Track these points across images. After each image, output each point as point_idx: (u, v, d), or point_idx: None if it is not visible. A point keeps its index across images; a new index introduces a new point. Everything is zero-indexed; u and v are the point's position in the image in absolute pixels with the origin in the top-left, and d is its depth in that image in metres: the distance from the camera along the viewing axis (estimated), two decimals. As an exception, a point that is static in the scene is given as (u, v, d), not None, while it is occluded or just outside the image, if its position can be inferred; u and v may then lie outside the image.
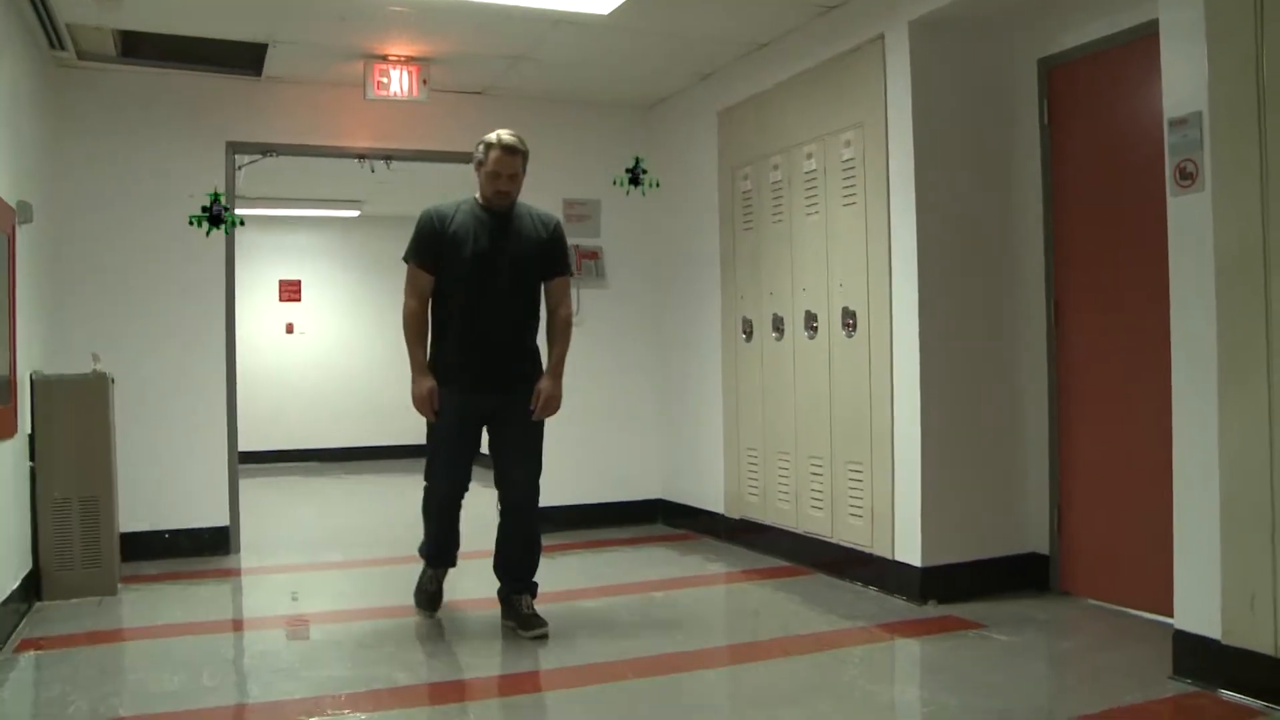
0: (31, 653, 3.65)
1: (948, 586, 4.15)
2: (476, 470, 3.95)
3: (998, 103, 4.37)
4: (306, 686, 3.24)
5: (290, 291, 10.31)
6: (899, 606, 4.15)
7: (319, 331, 10.36)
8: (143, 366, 5.21)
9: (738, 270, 5.46)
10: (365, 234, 10.33)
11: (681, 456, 6.13)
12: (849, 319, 4.56)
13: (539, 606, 3.89)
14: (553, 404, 3.89)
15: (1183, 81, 3.13)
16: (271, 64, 5.29)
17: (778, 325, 5.08)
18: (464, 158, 5.84)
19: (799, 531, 4.94)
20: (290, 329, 10.29)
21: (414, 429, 10.87)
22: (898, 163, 4.26)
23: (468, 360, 3.79)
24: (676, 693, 3.26)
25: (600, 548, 5.63)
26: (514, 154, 3.78)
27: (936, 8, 4.04)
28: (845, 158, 4.58)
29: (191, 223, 5.38)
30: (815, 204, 4.81)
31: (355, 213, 9.83)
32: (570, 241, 4.32)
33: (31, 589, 4.28)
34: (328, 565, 5.37)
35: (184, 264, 5.37)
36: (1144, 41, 3.63)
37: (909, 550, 4.21)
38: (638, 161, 6.27)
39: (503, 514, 3.95)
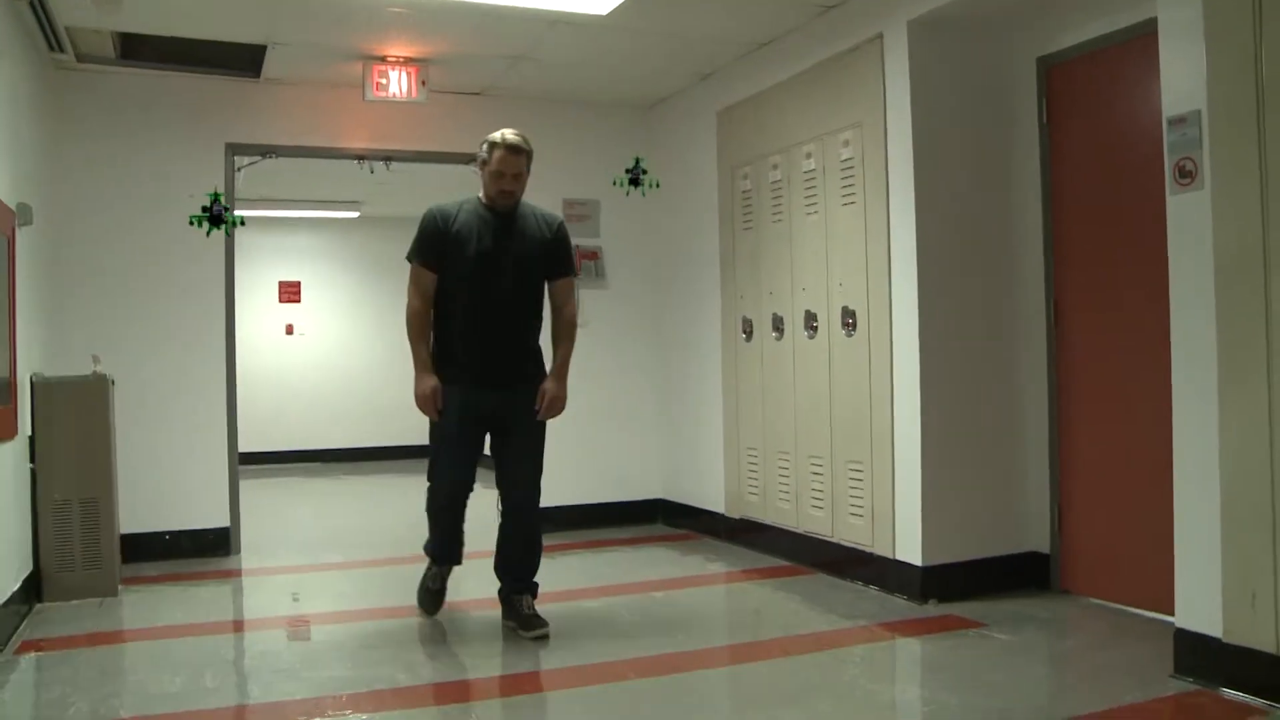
0: (32, 654, 3.65)
1: (948, 586, 4.15)
2: (477, 470, 3.95)
3: (997, 102, 4.37)
4: (308, 687, 3.24)
5: (290, 293, 10.32)
6: (899, 606, 4.15)
7: (319, 333, 10.36)
8: (143, 368, 5.21)
9: (737, 270, 5.46)
10: (365, 235, 10.34)
11: (682, 456, 6.14)
12: (849, 318, 4.56)
13: (540, 607, 3.88)
14: (558, 405, 3.88)
15: (1182, 80, 3.13)
16: (270, 65, 5.30)
17: (778, 325, 5.09)
18: (463, 159, 5.90)
19: (799, 531, 4.94)
20: (290, 330, 10.29)
21: (414, 429, 10.87)
22: (897, 162, 4.26)
23: (470, 360, 3.79)
24: (677, 693, 3.26)
25: (601, 548, 5.63)
26: (518, 153, 3.77)
27: (935, 7, 4.04)
28: (844, 157, 4.58)
29: (192, 223, 5.38)
30: (815, 204, 4.81)
31: (355, 214, 9.83)
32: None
33: (32, 590, 4.28)
34: (328, 566, 5.37)
35: (184, 265, 5.37)
36: (1143, 40, 3.63)
37: (909, 549, 4.21)
38: (638, 162, 6.28)
39: (504, 514, 3.95)
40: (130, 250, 5.28)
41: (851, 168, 4.54)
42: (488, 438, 3.94)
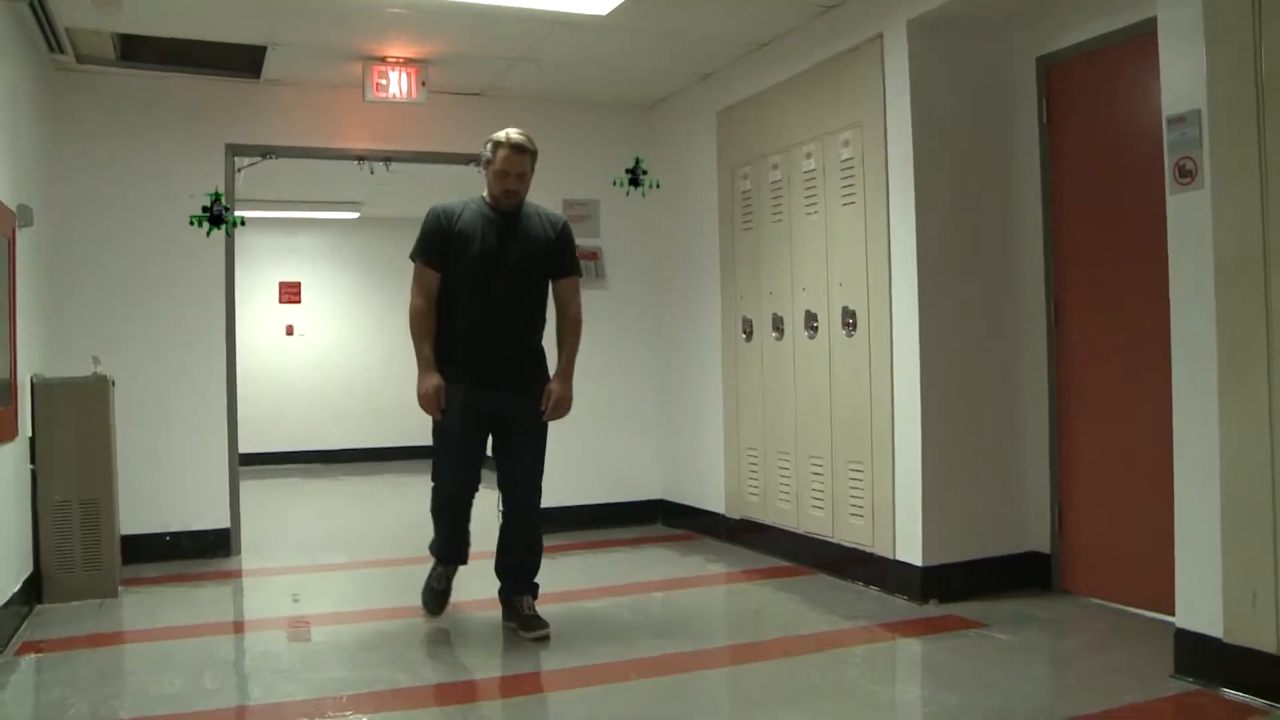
0: (32, 655, 3.65)
1: (949, 586, 4.15)
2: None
3: (996, 101, 4.37)
4: (308, 688, 3.24)
5: (290, 293, 10.32)
6: (900, 606, 4.15)
7: (319, 333, 10.36)
8: (143, 369, 5.21)
9: (737, 270, 5.46)
10: (365, 236, 10.34)
11: (682, 457, 6.13)
12: (849, 318, 4.56)
13: (540, 608, 3.88)
14: (563, 406, 3.87)
15: (1181, 79, 3.13)
16: (270, 66, 5.30)
17: (778, 325, 5.08)
18: (463, 159, 5.90)
19: (799, 531, 4.93)
20: (290, 331, 10.29)
21: (414, 430, 10.86)
22: (897, 162, 4.26)
23: (473, 359, 3.76)
24: (678, 693, 3.26)
25: (601, 548, 5.63)
26: (522, 153, 3.76)
27: (935, 7, 4.04)
28: (844, 157, 4.58)
29: (192, 223, 5.37)
30: (814, 204, 4.81)
31: (355, 214, 9.83)
32: (571, 242, 4.30)
33: (32, 592, 4.28)
34: (329, 567, 5.37)
35: (184, 266, 5.37)
36: (1142, 39, 3.63)
37: (910, 550, 4.21)
38: (638, 162, 6.27)
39: (505, 515, 3.94)
40: (130, 251, 5.28)
41: (851, 168, 4.53)
42: (489, 438, 3.93)
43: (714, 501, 5.73)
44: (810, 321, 4.82)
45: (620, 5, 4.44)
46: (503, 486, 3.92)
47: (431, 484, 3.97)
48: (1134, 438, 3.88)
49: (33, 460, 4.35)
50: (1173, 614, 3.21)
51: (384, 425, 10.20)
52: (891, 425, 4.30)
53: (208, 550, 5.38)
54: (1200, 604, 3.08)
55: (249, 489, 5.92)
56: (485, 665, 3.61)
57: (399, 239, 9.76)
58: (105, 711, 3.05)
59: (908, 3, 4.16)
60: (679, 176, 6.10)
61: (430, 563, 4.11)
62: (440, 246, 3.78)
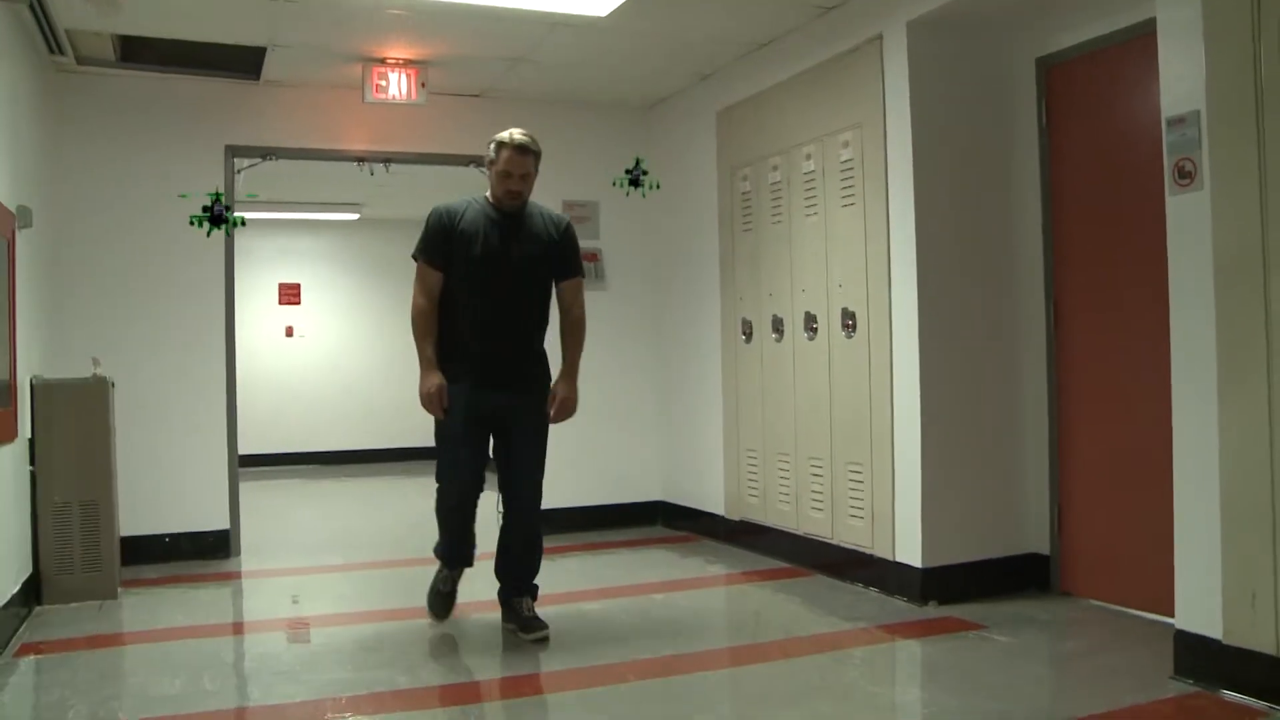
0: (31, 657, 3.65)
1: (948, 587, 4.15)
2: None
3: (996, 102, 4.37)
4: (308, 690, 3.24)
5: (290, 295, 10.32)
6: (899, 607, 4.15)
7: (319, 335, 10.36)
8: (143, 370, 5.21)
9: (737, 271, 5.46)
10: (365, 237, 10.35)
11: (681, 458, 6.13)
12: (848, 320, 4.56)
13: (540, 609, 3.88)
14: (569, 407, 3.86)
15: (1181, 80, 3.13)
16: (270, 68, 5.30)
17: (777, 326, 5.08)
18: (463, 160, 5.91)
19: (799, 533, 4.93)
20: (290, 332, 10.29)
21: (413, 432, 10.84)
22: (896, 163, 4.26)
23: (475, 360, 3.74)
24: (678, 695, 3.25)
25: (600, 550, 5.63)
26: (525, 153, 3.74)
27: (934, 8, 4.04)
28: (844, 158, 4.58)
29: (192, 223, 5.37)
30: (814, 205, 4.81)
31: (354, 216, 9.84)
32: (571, 243, 4.29)
33: (31, 593, 4.28)
34: (328, 568, 5.37)
35: (184, 267, 5.38)
36: (1142, 40, 3.63)
37: (909, 551, 4.21)
38: (638, 162, 6.27)
39: (505, 516, 3.94)
40: (130, 252, 5.28)
41: (851, 169, 4.53)
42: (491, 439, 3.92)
43: (714, 503, 5.73)
44: (810, 323, 4.82)
45: (620, 6, 4.44)
46: (503, 487, 3.92)
47: (436, 485, 3.94)
48: (1134, 439, 3.88)
49: (32, 462, 4.35)
50: (1172, 615, 3.21)
51: (384, 427, 10.21)
52: (891, 426, 4.30)
53: (207, 551, 5.38)
54: (1200, 605, 3.07)
55: (248, 490, 5.92)
56: (485, 667, 3.60)
57: (399, 240, 9.82)
58: (105, 713, 3.05)
59: (907, 4, 4.16)
60: (678, 177, 6.10)
61: (435, 566, 4.09)
62: (443, 246, 3.76)
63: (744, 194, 5.38)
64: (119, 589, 4.55)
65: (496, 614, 3.96)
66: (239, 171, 5.68)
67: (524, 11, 4.52)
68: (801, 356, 4.91)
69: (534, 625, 3.78)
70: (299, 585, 5.05)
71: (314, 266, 10.40)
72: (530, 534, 3.90)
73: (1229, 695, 2.97)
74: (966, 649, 3.61)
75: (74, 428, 4.45)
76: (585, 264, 3.98)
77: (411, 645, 3.77)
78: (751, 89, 5.28)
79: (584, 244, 6.02)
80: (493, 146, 3.77)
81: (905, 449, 4.23)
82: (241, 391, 5.63)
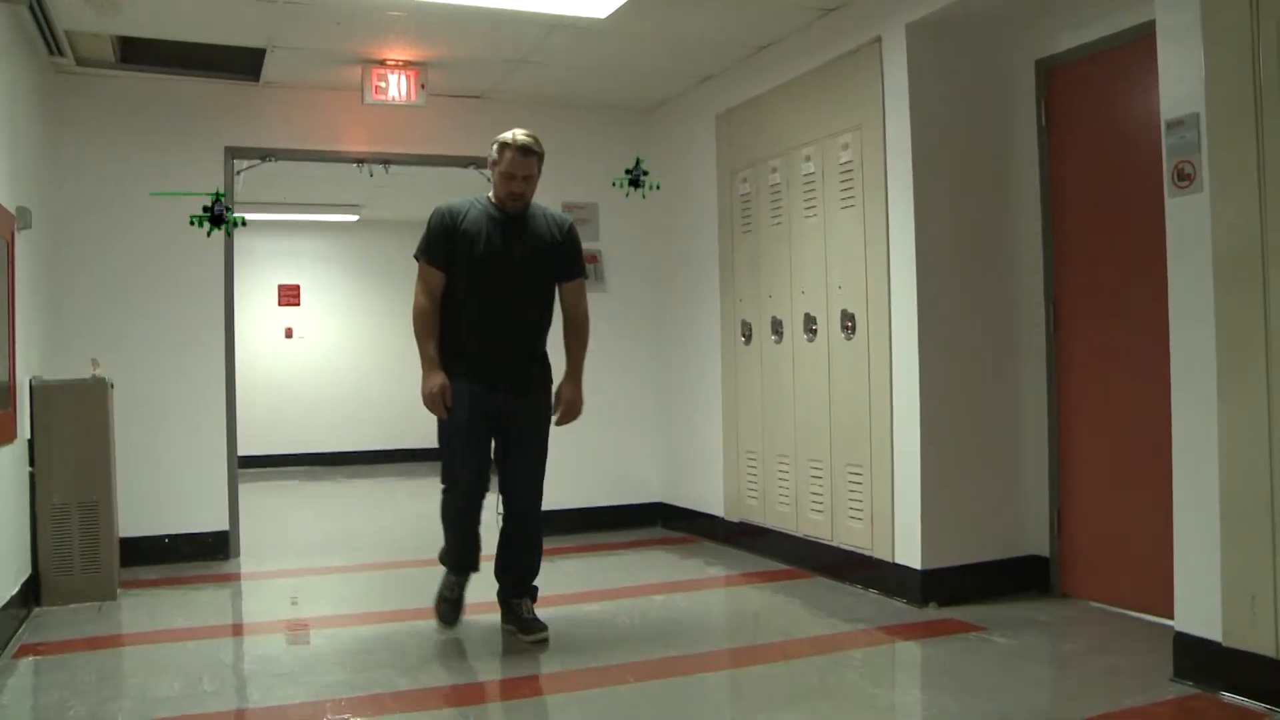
0: (30, 658, 3.65)
1: (948, 589, 4.15)
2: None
3: (995, 104, 4.37)
4: (307, 691, 3.24)
5: (289, 296, 10.32)
6: (899, 609, 4.15)
7: (318, 336, 10.37)
8: (142, 371, 5.21)
9: (736, 273, 5.46)
10: (364, 238, 10.35)
11: (681, 460, 6.13)
12: (848, 321, 4.56)
13: (539, 610, 3.88)
14: (574, 410, 3.85)
15: (1180, 83, 3.13)
16: (270, 69, 5.30)
17: (777, 328, 5.08)
18: (463, 162, 5.91)
19: (799, 535, 4.93)
20: (289, 334, 10.30)
21: (413, 433, 10.84)
22: (896, 165, 4.26)
23: (477, 360, 3.72)
24: (677, 697, 3.25)
25: (600, 551, 5.63)
26: (528, 155, 3.71)
27: (934, 10, 4.04)
28: (843, 160, 4.59)
29: (192, 223, 5.37)
30: (814, 207, 4.81)
31: (354, 217, 9.84)
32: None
33: (31, 594, 4.27)
34: (328, 570, 5.36)
35: (183, 268, 5.38)
36: (1142, 42, 3.63)
37: (909, 553, 4.21)
38: (638, 163, 6.26)
39: (506, 518, 3.92)
40: (130, 252, 5.28)
41: (850, 171, 4.54)
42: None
43: (713, 504, 5.73)
44: (809, 324, 4.83)
45: (619, 8, 4.44)
46: (503, 488, 3.90)
47: (442, 488, 3.88)
48: (1133, 441, 3.88)
49: (31, 463, 4.35)
50: (1172, 617, 3.21)
51: (383, 428, 10.21)
52: (890, 428, 4.30)
53: (206, 553, 5.38)
54: (1199, 607, 3.07)
55: (248, 492, 5.92)
56: (484, 668, 3.60)
57: (398, 242, 9.82)
58: (104, 714, 3.04)
59: (907, 6, 4.16)
60: (678, 179, 6.10)
61: (434, 568, 4.06)
62: (445, 246, 3.73)
63: (743, 196, 5.38)
64: (118, 590, 4.55)
65: (496, 615, 3.96)
66: (239, 173, 5.68)
67: (524, 13, 4.52)
68: (801, 358, 4.91)
69: (534, 627, 3.78)
70: (298, 587, 5.05)
71: (313, 268, 10.40)
72: (530, 535, 3.89)
73: (1229, 697, 2.97)
74: (966, 651, 3.60)
75: (73, 429, 4.45)
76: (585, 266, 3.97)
77: (411, 647, 3.76)
78: (751, 91, 5.28)
79: (584, 245, 6.06)
80: (495, 147, 3.75)
81: (905, 450, 4.23)
82: (241, 393, 5.63)
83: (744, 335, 5.38)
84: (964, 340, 4.26)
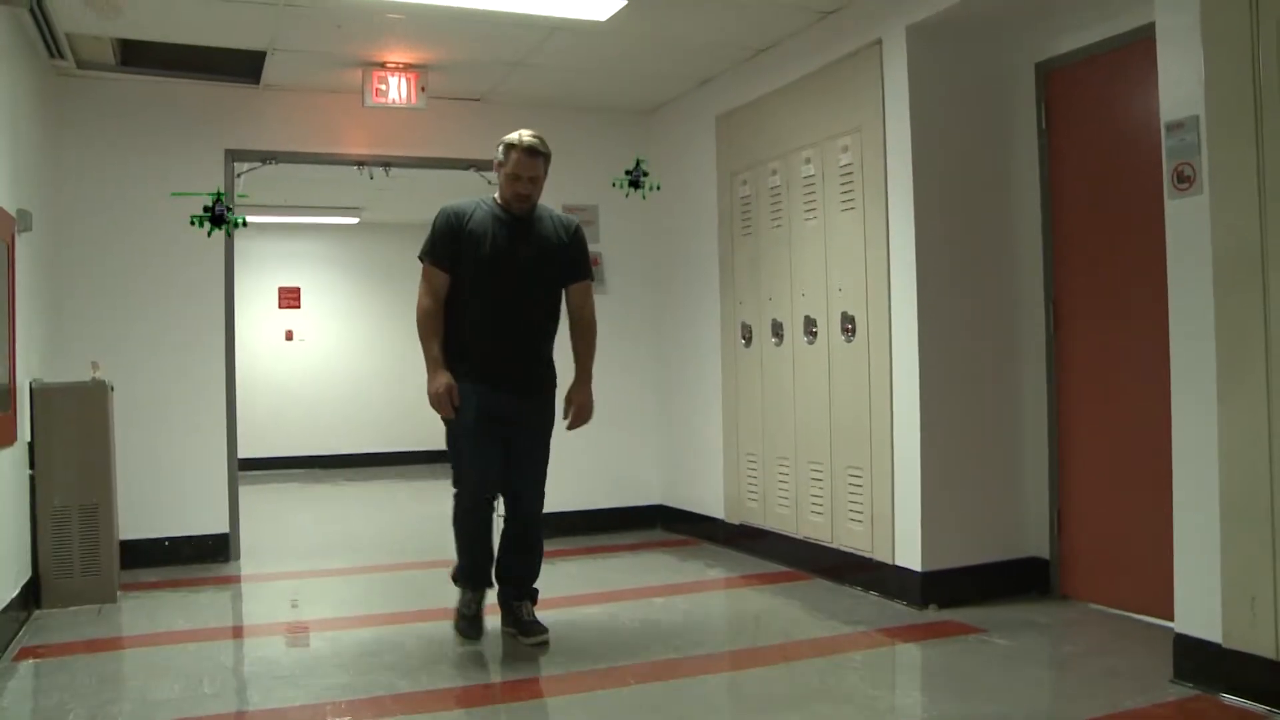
0: (30, 661, 3.65)
1: (948, 591, 4.15)
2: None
3: (995, 107, 4.37)
4: (307, 694, 3.24)
5: (290, 298, 10.33)
6: (899, 611, 4.15)
7: (318, 338, 10.37)
8: (142, 372, 5.21)
9: (736, 276, 5.46)
10: (365, 241, 10.36)
11: (682, 462, 6.13)
12: (848, 324, 4.57)
13: (540, 613, 3.88)
14: (585, 413, 3.84)
15: (1179, 85, 3.14)
16: (270, 72, 5.30)
17: (777, 330, 5.09)
18: (463, 164, 5.91)
19: (799, 537, 4.93)
20: (290, 336, 10.30)
21: (413, 435, 10.84)
22: (896, 167, 4.27)
23: (482, 361, 3.69)
24: (677, 699, 3.25)
25: (601, 553, 5.63)
26: (535, 156, 3.69)
27: (934, 13, 4.04)
28: (843, 163, 4.59)
29: (193, 223, 5.37)
30: (813, 209, 4.81)
31: (354, 219, 9.84)
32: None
33: (31, 597, 4.27)
34: (328, 572, 5.36)
35: (183, 269, 5.38)
36: (1141, 45, 3.63)
37: (909, 555, 4.21)
38: (638, 163, 6.27)
39: (507, 520, 3.91)
40: (130, 256, 5.29)
41: (850, 173, 4.54)
42: None
43: (713, 507, 5.73)
44: (809, 327, 4.83)
45: (619, 11, 4.45)
46: (506, 491, 3.88)
47: (454, 492, 3.82)
48: (1133, 442, 3.88)
49: (31, 465, 4.35)
50: (1172, 619, 3.21)
51: (383, 430, 10.22)
52: (891, 430, 4.30)
53: (207, 555, 5.38)
54: (1199, 609, 3.08)
55: (248, 494, 5.92)
56: (485, 671, 3.60)
57: (399, 244, 9.83)
58: (104, 717, 3.04)
59: (907, 8, 4.16)
60: (678, 182, 6.10)
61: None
62: (450, 247, 3.71)
63: (743, 198, 5.39)
64: (118, 593, 4.55)
65: (496, 617, 3.96)
66: (239, 175, 5.68)
67: (524, 16, 4.52)
68: (801, 360, 4.92)
69: (534, 629, 3.77)
70: (298, 589, 5.04)
71: (314, 270, 10.41)
72: (531, 537, 3.89)
73: (1229, 699, 2.97)
74: (966, 653, 3.60)
75: (73, 431, 4.45)
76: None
77: (411, 649, 3.76)
78: (751, 94, 5.28)
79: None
80: (501, 149, 3.72)
81: (905, 452, 4.23)
82: (241, 395, 5.63)
83: (744, 337, 5.39)
84: (964, 342, 4.26)
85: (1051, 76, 4.23)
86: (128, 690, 3.35)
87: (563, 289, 3.85)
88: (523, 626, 3.79)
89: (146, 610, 4.42)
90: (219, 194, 5.40)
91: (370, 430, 10.26)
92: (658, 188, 6.27)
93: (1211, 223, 3.03)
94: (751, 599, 4.67)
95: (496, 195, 3.80)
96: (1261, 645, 2.89)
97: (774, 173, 5.10)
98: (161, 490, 5.26)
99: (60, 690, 3.30)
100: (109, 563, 4.48)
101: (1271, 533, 2.86)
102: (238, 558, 5.47)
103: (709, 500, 5.78)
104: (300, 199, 8.79)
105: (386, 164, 5.97)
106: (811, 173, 4.81)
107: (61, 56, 4.81)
